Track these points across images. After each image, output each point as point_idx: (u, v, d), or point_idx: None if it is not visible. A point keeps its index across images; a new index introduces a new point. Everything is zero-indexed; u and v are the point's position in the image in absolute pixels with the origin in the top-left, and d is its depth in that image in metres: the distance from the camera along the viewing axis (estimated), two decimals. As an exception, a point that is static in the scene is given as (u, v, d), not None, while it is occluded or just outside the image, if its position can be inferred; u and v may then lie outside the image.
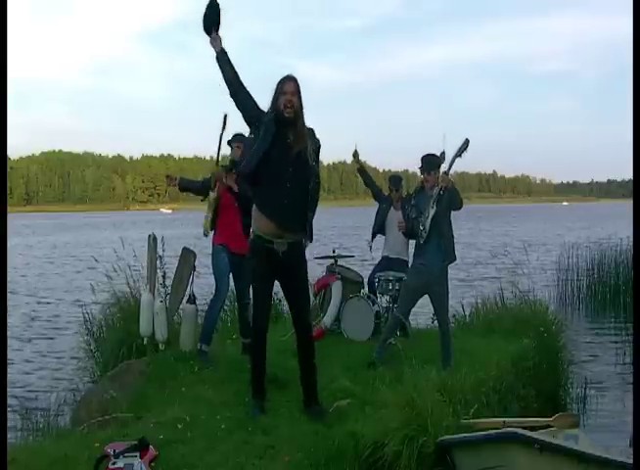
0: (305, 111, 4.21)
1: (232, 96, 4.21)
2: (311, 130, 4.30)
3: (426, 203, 5.40)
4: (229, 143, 5.72)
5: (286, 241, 4.21)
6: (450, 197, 5.31)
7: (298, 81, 4.20)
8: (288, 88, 4.14)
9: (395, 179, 7.26)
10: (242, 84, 4.22)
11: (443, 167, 5.39)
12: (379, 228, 7.25)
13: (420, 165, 5.55)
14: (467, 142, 5.37)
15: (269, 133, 4.14)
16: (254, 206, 4.31)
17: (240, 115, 4.28)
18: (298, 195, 4.17)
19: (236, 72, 4.21)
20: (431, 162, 5.50)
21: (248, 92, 4.23)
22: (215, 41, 4.24)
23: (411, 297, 5.54)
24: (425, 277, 5.43)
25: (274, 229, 4.19)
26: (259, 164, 4.16)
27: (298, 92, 4.16)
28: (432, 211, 5.33)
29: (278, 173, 4.15)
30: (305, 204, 4.22)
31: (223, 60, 4.22)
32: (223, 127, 5.25)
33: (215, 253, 5.60)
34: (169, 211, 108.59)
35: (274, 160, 4.14)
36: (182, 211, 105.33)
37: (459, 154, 5.35)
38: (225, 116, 5.16)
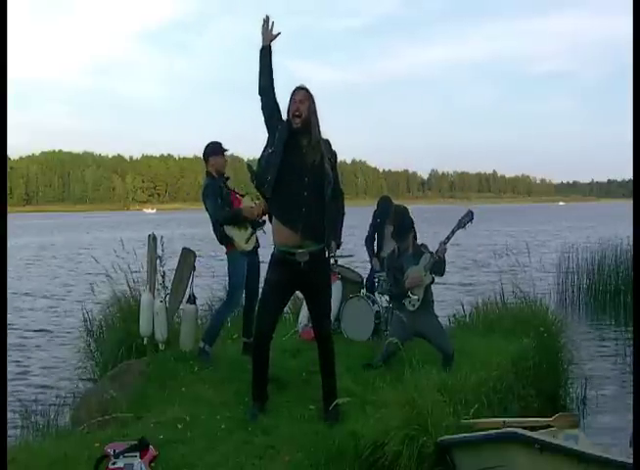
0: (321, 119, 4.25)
1: (260, 92, 4.25)
2: (327, 142, 4.30)
3: (409, 262, 5.49)
4: (206, 156, 5.67)
5: (307, 251, 4.19)
6: (438, 265, 5.46)
7: (310, 91, 4.23)
8: (296, 97, 4.19)
9: (381, 208, 7.67)
10: (273, 84, 4.26)
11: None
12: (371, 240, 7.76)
13: (392, 230, 5.80)
14: (470, 214, 5.51)
15: (281, 142, 4.15)
16: (273, 218, 4.32)
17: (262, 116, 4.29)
18: (316, 203, 4.15)
19: (271, 70, 4.26)
20: (401, 231, 5.67)
21: (275, 94, 4.27)
22: (268, 33, 4.24)
23: (402, 334, 5.45)
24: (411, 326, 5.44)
25: (294, 238, 4.18)
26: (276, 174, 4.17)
27: (308, 100, 4.18)
28: (426, 279, 5.43)
29: (294, 183, 4.15)
30: (323, 212, 4.19)
31: (267, 54, 4.26)
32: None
33: (233, 259, 5.54)
34: (153, 211, 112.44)
35: (289, 169, 4.15)
36: (165, 211, 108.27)
37: (462, 225, 5.49)
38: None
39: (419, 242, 5.68)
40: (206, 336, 5.61)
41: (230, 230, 5.46)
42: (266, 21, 4.27)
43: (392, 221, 7.31)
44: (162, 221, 55.68)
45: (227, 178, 5.74)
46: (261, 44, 4.29)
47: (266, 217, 5.38)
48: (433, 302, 5.62)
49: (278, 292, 4.39)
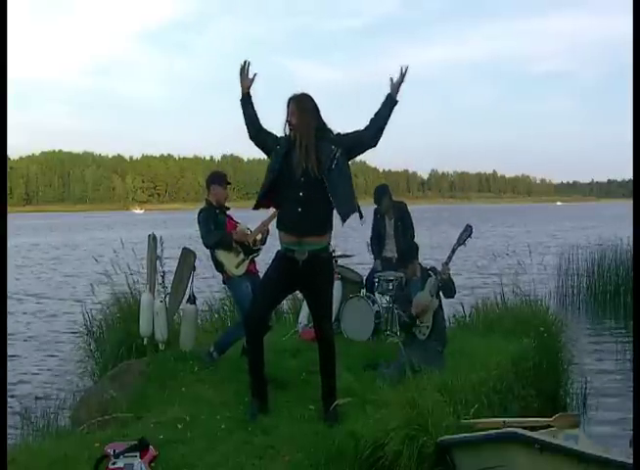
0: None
1: (251, 138, 4.37)
2: (328, 132, 4.28)
3: (416, 289, 5.36)
4: (208, 183, 5.71)
5: (306, 249, 4.19)
6: (446, 287, 5.32)
7: (301, 97, 4.23)
8: (289, 110, 4.23)
9: (378, 194, 7.42)
10: (260, 127, 4.36)
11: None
12: (376, 240, 7.46)
13: (397, 257, 5.66)
14: (469, 229, 5.38)
15: (277, 159, 4.22)
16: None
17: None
18: (313, 201, 4.15)
19: (256, 115, 4.36)
20: (405, 257, 5.60)
21: (265, 132, 4.37)
22: (245, 81, 4.33)
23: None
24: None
25: (292, 239, 4.22)
26: (272, 187, 4.25)
27: (301, 110, 4.19)
28: (433, 304, 5.26)
29: (290, 187, 4.18)
30: (322, 208, 4.17)
31: (247, 103, 4.36)
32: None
33: (234, 285, 5.55)
34: (141, 211, 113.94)
35: (285, 177, 4.20)
36: (153, 211, 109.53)
37: (462, 242, 5.36)
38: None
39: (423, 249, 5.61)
40: (218, 345, 5.61)
41: (220, 255, 5.46)
42: (244, 66, 4.33)
43: (391, 215, 7.32)
44: (150, 222, 55.37)
45: (227, 209, 5.74)
46: (240, 93, 4.36)
47: (262, 246, 5.54)
48: (445, 328, 5.46)
49: (274, 284, 4.39)
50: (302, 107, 4.22)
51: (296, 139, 4.18)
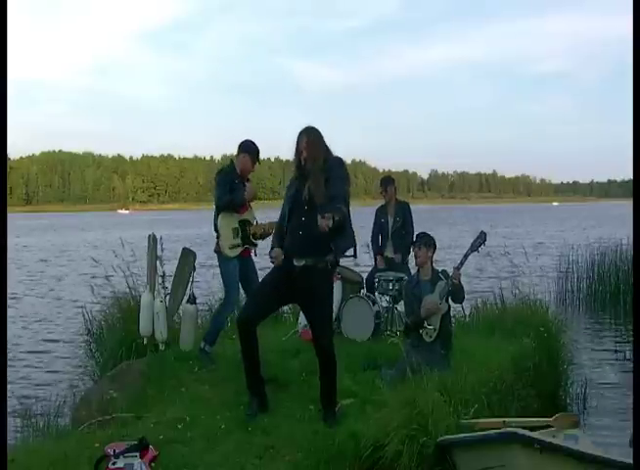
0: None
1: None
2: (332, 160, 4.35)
3: (427, 291, 5.30)
4: (239, 149, 5.58)
5: (304, 258, 4.25)
6: (456, 292, 5.29)
7: (312, 130, 4.35)
8: (300, 146, 4.32)
9: (384, 182, 7.45)
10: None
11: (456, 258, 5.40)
12: (376, 239, 7.49)
13: (415, 241, 5.60)
14: (482, 236, 5.36)
15: (288, 200, 4.40)
16: None
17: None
18: (315, 226, 4.08)
19: None
20: (422, 237, 5.52)
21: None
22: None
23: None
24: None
25: (292, 256, 4.30)
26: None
27: (313, 142, 4.30)
28: (442, 308, 5.22)
29: (295, 214, 4.33)
30: (324, 233, 4.08)
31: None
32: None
33: (225, 260, 5.51)
34: (127, 212, 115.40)
35: (293, 205, 4.35)
36: (140, 211, 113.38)
37: (475, 248, 5.33)
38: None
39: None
40: (207, 336, 5.61)
41: (221, 225, 5.41)
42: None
43: (392, 212, 7.33)
44: (131, 223, 55.13)
45: (248, 180, 5.66)
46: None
47: (260, 241, 5.55)
48: (451, 333, 5.43)
49: (269, 291, 4.41)
50: (313, 140, 4.32)
51: (307, 170, 4.28)
